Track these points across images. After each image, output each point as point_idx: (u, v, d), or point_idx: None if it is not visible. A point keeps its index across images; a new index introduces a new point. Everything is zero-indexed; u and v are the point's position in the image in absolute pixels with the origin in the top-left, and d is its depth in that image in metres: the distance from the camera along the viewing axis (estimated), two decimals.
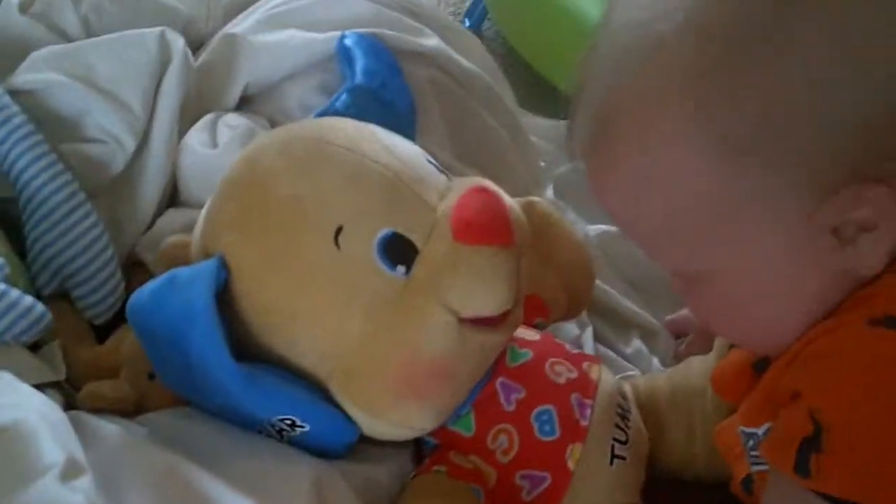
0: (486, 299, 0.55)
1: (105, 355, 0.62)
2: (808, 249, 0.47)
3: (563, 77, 1.06)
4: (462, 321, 0.55)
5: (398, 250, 0.55)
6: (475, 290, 0.54)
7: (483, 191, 0.58)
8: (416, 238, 0.55)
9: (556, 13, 1.11)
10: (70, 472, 0.46)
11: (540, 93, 1.13)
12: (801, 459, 0.47)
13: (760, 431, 0.55)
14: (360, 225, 0.54)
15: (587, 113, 0.50)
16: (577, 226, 0.91)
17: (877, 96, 0.45)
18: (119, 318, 0.64)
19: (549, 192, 0.95)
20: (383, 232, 0.55)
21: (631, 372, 0.79)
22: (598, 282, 0.85)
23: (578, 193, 0.95)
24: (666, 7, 0.47)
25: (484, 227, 0.55)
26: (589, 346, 0.80)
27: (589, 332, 0.82)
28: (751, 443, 0.56)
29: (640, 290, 0.89)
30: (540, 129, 1.05)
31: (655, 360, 0.82)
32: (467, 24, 1.32)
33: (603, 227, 0.92)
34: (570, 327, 0.81)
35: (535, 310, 0.69)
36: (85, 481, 0.46)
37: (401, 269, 0.55)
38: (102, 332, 0.64)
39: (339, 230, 0.54)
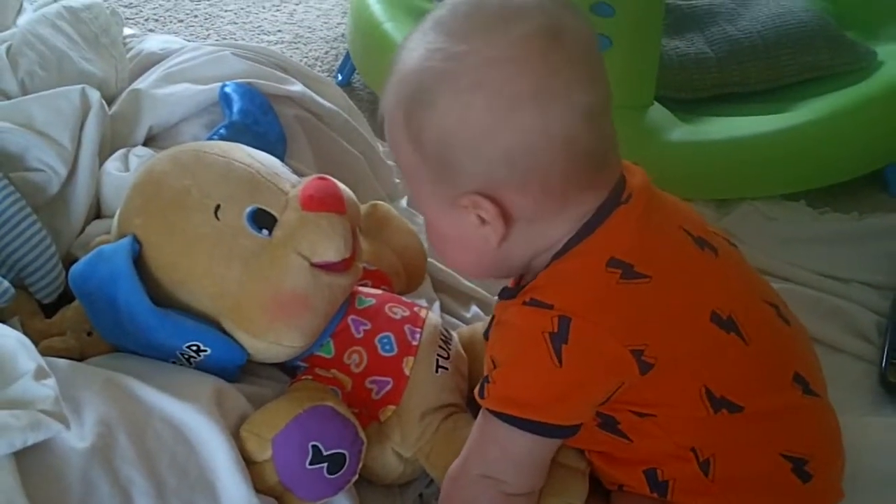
0: (328, 248, 0.77)
1: (53, 325, 0.83)
2: (459, 218, 0.68)
3: None
4: (313, 265, 0.78)
5: (262, 219, 0.78)
6: (318, 241, 0.77)
7: (322, 178, 0.82)
8: (274, 211, 0.79)
9: None
10: (40, 374, 0.67)
11: None
12: (482, 387, 0.71)
13: None
14: (233, 204, 0.78)
15: (381, 104, 0.71)
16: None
17: (507, 149, 0.64)
18: (61, 300, 0.85)
19: (404, 203, 1.19)
20: (250, 208, 0.78)
21: None
22: (442, 266, 1.09)
23: None
24: (413, 55, 0.67)
25: (322, 199, 0.79)
26: (436, 313, 1.03)
27: (436, 304, 1.05)
28: None
29: None
30: None
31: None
32: (339, 78, 1.56)
33: None
34: (422, 302, 1.04)
35: (380, 281, 0.92)
36: (51, 381, 0.67)
37: (265, 232, 0.78)
38: (50, 310, 0.85)
39: (217, 207, 0.77)
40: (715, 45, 1.38)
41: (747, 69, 1.37)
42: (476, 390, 0.72)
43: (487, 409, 0.71)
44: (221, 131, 0.93)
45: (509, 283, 0.76)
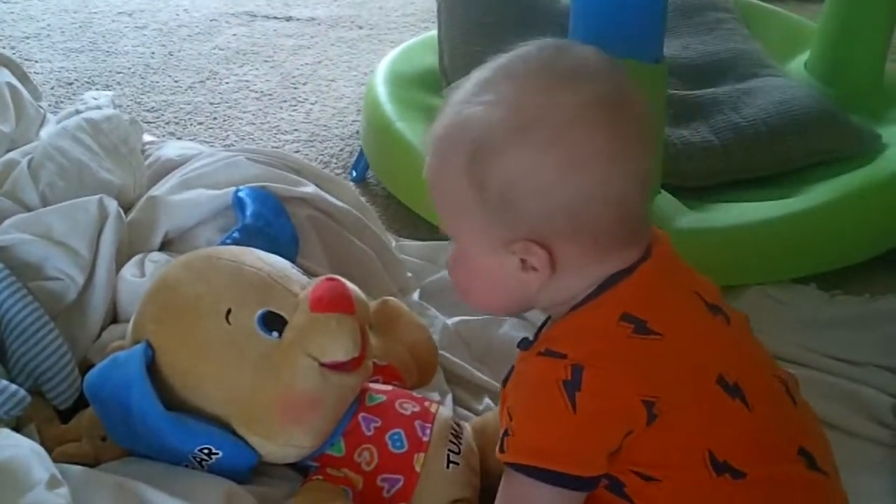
0: (337, 348, 0.79)
1: (69, 431, 0.85)
2: (503, 259, 0.71)
3: (426, 209, 1.34)
4: (323, 366, 0.79)
5: (272, 321, 0.80)
6: (328, 342, 0.79)
7: (331, 279, 0.84)
8: (284, 313, 0.80)
9: (418, 161, 1.41)
10: (53, 484, 0.68)
11: (412, 223, 1.42)
12: (501, 442, 0.72)
13: None
14: (244, 307, 0.80)
15: (433, 128, 0.74)
16: (437, 319, 1.17)
17: (570, 203, 0.69)
18: (77, 405, 0.87)
19: (416, 296, 1.21)
20: (261, 311, 0.80)
21: None
22: (455, 359, 1.10)
23: (440, 297, 1.21)
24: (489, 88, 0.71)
25: (331, 300, 0.81)
26: (449, 407, 1.04)
27: (449, 397, 1.05)
28: None
29: (488, 365, 1.12)
30: (412, 249, 1.32)
31: None
32: (354, 174, 1.60)
33: (459, 318, 1.17)
34: (435, 395, 1.05)
35: (392, 376, 0.94)
36: (64, 490, 0.68)
37: (275, 334, 0.79)
38: (66, 415, 0.87)
39: (228, 311, 0.79)
40: (720, 134, 1.40)
41: (753, 156, 1.38)
42: (497, 448, 0.72)
43: (508, 466, 0.72)
44: (235, 235, 0.95)
45: (531, 335, 0.77)
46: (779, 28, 1.73)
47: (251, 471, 0.81)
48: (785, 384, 0.76)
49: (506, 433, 0.72)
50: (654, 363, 0.69)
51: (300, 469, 0.85)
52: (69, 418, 0.86)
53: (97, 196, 0.96)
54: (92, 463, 0.80)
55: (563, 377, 0.68)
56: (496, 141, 0.69)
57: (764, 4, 1.80)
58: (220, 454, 0.78)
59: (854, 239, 1.31)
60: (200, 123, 1.78)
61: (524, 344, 0.75)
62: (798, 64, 1.60)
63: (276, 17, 2.21)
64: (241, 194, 1.03)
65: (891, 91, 1.52)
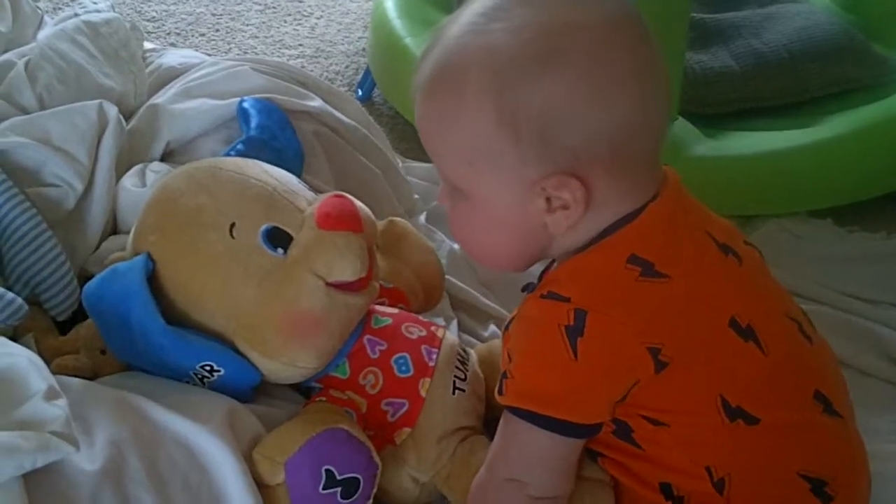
0: (344, 267, 0.76)
1: (67, 343, 0.82)
2: (527, 203, 0.67)
3: None
4: (328, 285, 0.76)
5: (277, 238, 0.77)
6: (334, 261, 0.76)
7: (339, 195, 0.81)
8: (290, 230, 0.77)
9: None
10: (51, 394, 0.66)
11: (419, 144, 1.37)
12: (500, 384, 0.70)
13: None
14: (248, 222, 0.76)
15: (433, 64, 0.68)
16: (444, 243, 1.14)
17: (612, 128, 0.65)
18: (76, 317, 0.84)
19: (422, 219, 1.18)
20: (265, 226, 0.77)
21: None
22: (460, 284, 1.08)
23: (446, 219, 1.18)
24: (501, 14, 0.65)
25: (339, 217, 0.78)
26: (454, 332, 1.02)
27: (454, 323, 1.03)
28: None
29: (494, 291, 1.11)
30: (419, 171, 1.29)
31: None
32: (359, 93, 1.55)
33: None
34: (439, 320, 1.03)
35: (398, 299, 0.91)
36: (62, 401, 0.66)
37: (280, 251, 0.76)
38: (65, 327, 0.84)
39: (232, 225, 0.76)
40: (740, 59, 1.36)
41: (773, 83, 1.34)
42: (496, 388, 0.71)
43: (507, 408, 0.70)
44: (239, 147, 0.92)
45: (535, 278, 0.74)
46: None
47: (254, 390, 0.79)
48: (799, 324, 0.74)
49: (505, 375, 0.69)
50: (661, 307, 0.67)
51: (303, 390, 0.83)
52: (67, 330, 0.84)
53: (97, 101, 0.92)
54: (90, 376, 0.78)
55: (565, 322, 0.65)
56: (528, 68, 0.64)
57: None
58: (222, 371, 0.76)
59: (872, 172, 1.28)
60: (202, 35, 1.73)
61: (529, 288, 0.72)
62: None
63: None
64: (245, 105, 0.99)
65: None
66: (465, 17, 0.68)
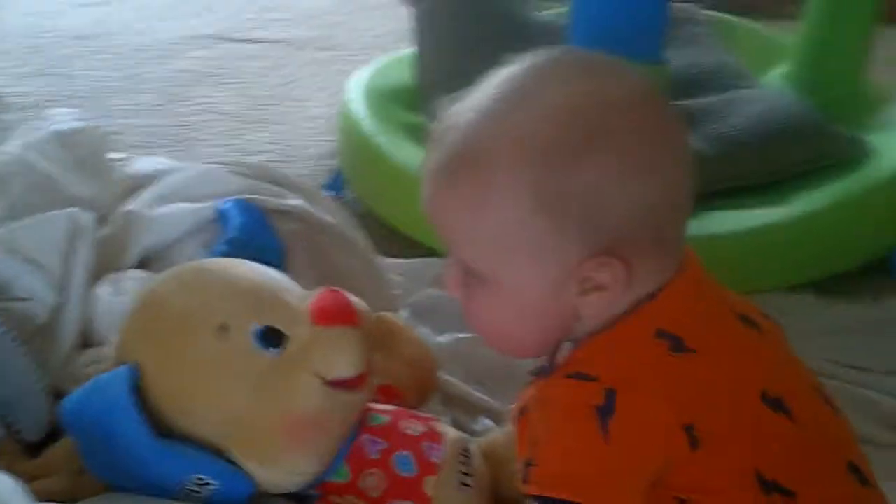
0: (343, 364, 0.73)
1: (39, 467, 0.76)
2: (561, 288, 0.64)
3: (408, 226, 1.30)
4: (327, 383, 0.73)
5: (271, 337, 0.73)
6: (334, 357, 0.72)
7: (332, 290, 0.78)
8: (282, 327, 0.74)
9: (399, 177, 1.36)
10: None
11: (391, 240, 1.36)
12: (525, 472, 0.65)
13: None
14: (239, 321, 0.73)
15: (451, 151, 0.65)
16: (429, 337, 1.11)
17: (654, 206, 0.63)
18: (48, 439, 0.79)
19: (405, 314, 1.15)
20: (258, 326, 0.73)
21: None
22: (451, 378, 1.05)
23: (428, 315, 1.16)
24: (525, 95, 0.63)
25: (335, 312, 0.75)
26: None
27: (447, 418, 1.00)
28: None
29: (484, 384, 1.07)
30: (395, 267, 1.27)
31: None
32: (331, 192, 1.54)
33: (450, 335, 1.12)
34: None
35: (391, 396, 0.87)
36: None
37: (273, 350, 0.73)
38: (34, 451, 0.78)
39: (223, 326, 0.72)
40: (712, 143, 1.37)
41: (744, 165, 1.35)
42: (520, 478, 0.65)
43: (534, 498, 0.64)
44: (222, 247, 0.89)
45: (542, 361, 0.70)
46: (752, 43, 1.72)
47: (248, 502, 0.74)
48: (824, 394, 0.72)
49: (529, 463, 0.65)
50: (692, 384, 0.64)
51: (300, 499, 0.78)
52: (37, 454, 0.78)
53: (67, 210, 0.89)
54: (69, 500, 0.73)
55: (595, 402, 0.62)
56: (567, 151, 0.62)
57: (736, 20, 1.80)
58: (215, 484, 0.71)
59: (847, 245, 1.29)
60: (164, 147, 1.71)
61: (543, 372, 0.69)
62: (773, 78, 1.59)
63: (240, 40, 2.14)
64: (225, 206, 0.96)
65: (873, 99, 1.51)
66: (482, 100, 0.65)
